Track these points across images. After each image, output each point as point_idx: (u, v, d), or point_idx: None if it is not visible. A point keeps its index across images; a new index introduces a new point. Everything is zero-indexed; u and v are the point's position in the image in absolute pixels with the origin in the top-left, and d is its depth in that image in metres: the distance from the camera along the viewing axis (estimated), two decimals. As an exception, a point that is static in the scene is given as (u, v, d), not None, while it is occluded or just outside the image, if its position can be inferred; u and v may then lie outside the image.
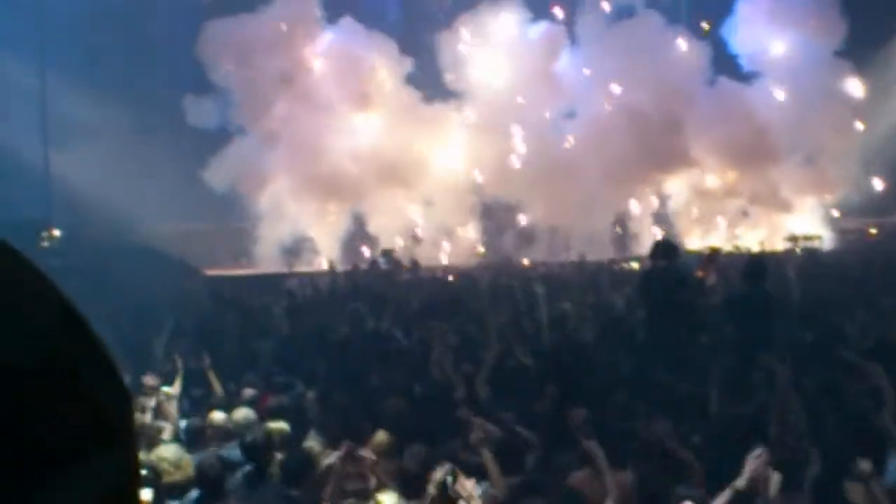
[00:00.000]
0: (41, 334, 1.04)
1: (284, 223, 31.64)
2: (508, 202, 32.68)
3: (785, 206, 33.29)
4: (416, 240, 31.29)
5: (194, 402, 12.74)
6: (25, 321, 1.04)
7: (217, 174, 30.83)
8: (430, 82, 32.60)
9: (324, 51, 33.13)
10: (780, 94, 33.75)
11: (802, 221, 32.98)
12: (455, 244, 32.00)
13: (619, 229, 32.74)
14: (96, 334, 1.10)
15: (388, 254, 26.55)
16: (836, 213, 33.63)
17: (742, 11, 34.36)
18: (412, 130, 31.56)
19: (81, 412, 1.05)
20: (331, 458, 8.87)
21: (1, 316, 1.03)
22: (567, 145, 32.67)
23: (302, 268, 27.92)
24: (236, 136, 32.12)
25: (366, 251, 30.67)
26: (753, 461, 7.17)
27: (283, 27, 32.51)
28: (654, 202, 33.65)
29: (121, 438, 1.08)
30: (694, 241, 31.22)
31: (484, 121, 32.49)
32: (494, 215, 33.01)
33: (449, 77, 32.76)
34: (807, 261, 23.45)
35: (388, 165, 30.71)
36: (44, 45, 29.64)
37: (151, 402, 11.73)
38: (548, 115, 33.33)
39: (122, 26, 34.73)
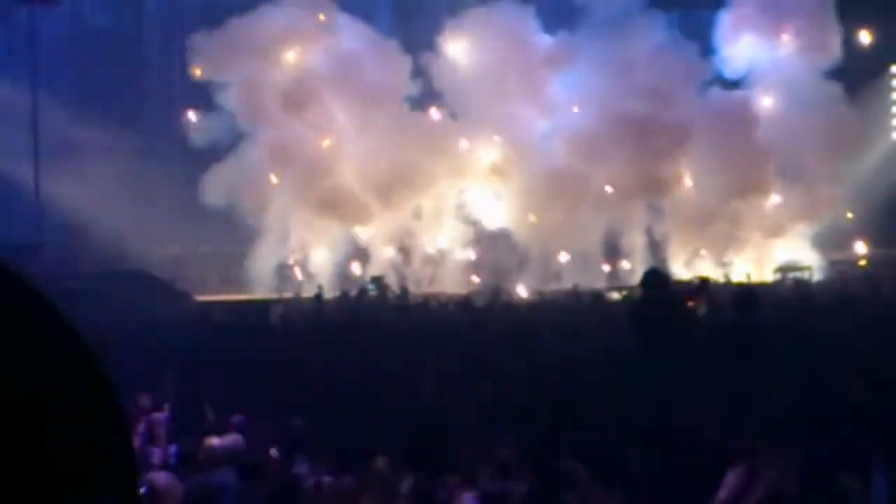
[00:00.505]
0: (42, 355, 1.04)
1: (278, 246, 31.33)
2: (501, 226, 32.38)
3: (775, 232, 33.08)
4: (405, 262, 30.96)
5: (184, 427, 12.71)
6: (25, 341, 1.05)
7: (215, 190, 30.48)
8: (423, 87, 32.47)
9: (326, 54, 32.45)
10: (767, 104, 33.54)
11: (791, 248, 32.76)
12: (447, 268, 31.63)
13: (607, 265, 32.39)
14: (97, 356, 1.10)
15: (377, 280, 26.50)
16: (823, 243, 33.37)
17: (729, 21, 34.09)
18: (414, 145, 31.09)
19: (81, 436, 1.05)
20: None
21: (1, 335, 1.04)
22: (557, 163, 32.15)
23: (291, 293, 27.76)
24: (233, 152, 31.62)
25: (356, 272, 30.37)
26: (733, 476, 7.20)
27: (284, 30, 31.85)
28: (642, 223, 33.29)
29: (120, 462, 1.09)
30: (681, 266, 31.01)
31: (475, 134, 32.21)
32: (487, 238, 32.59)
33: (439, 86, 32.44)
34: (796, 291, 23.50)
35: (389, 181, 30.38)
36: (35, 66, 29.64)
37: (141, 427, 11.71)
38: (539, 128, 33.06)
39: (113, 47, 34.80)
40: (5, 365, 1.03)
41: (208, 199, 30.30)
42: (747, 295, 13.54)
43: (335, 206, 30.44)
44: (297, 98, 30.66)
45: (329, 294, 25.87)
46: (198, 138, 30.79)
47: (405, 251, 31.56)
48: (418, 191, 31.28)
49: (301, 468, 10.27)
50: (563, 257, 31.97)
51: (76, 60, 34.29)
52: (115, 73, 34.29)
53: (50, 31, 31.52)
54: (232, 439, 10.96)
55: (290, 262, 30.97)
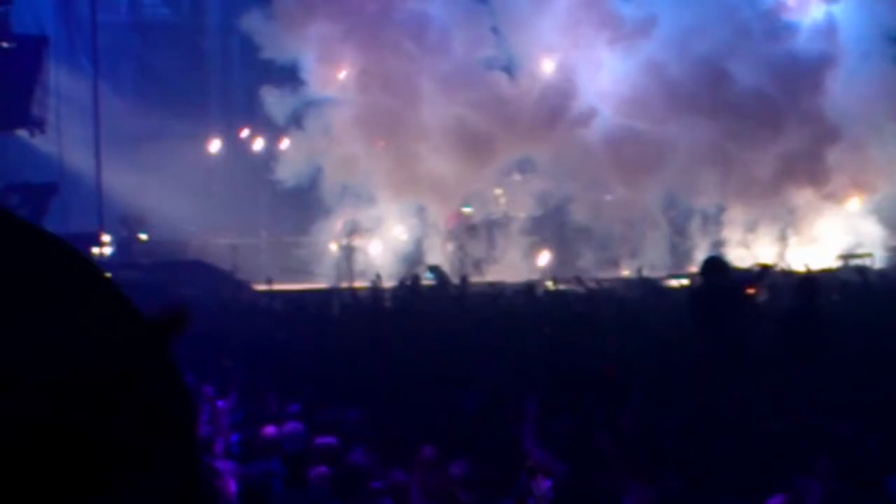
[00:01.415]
0: (107, 336, 1.05)
1: (338, 233, 30.80)
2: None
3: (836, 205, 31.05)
4: (463, 251, 30.28)
5: (245, 416, 12.80)
6: (91, 322, 1.05)
7: (290, 165, 29.75)
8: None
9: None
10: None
11: (850, 227, 31.25)
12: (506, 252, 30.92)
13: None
14: (162, 341, 1.11)
15: (434, 269, 26.25)
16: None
17: None
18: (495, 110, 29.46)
19: (144, 412, 1.05)
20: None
21: (64, 319, 1.04)
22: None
23: (349, 281, 27.57)
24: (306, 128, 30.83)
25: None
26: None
27: None
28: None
29: (184, 438, 1.09)
30: (736, 245, 29.91)
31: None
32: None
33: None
34: (858, 279, 23.06)
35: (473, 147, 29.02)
36: (96, 55, 29.85)
37: (204, 415, 11.79)
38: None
39: (174, 38, 35.07)
40: (69, 344, 1.02)
41: (281, 174, 29.79)
42: (808, 284, 13.46)
43: (420, 182, 29.59)
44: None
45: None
46: (278, 113, 30.02)
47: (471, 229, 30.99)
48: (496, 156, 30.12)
49: (357, 458, 10.30)
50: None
51: (138, 51, 34.56)
52: (175, 62, 34.52)
53: (111, 22, 31.73)
54: (290, 428, 11.02)
55: (351, 244, 30.43)
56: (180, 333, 1.13)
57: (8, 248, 1.02)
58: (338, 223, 30.25)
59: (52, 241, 1.06)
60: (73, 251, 1.06)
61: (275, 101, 29.22)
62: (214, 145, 33.86)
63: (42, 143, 27.52)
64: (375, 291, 22.88)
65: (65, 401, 0.98)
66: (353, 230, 30.34)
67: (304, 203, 31.04)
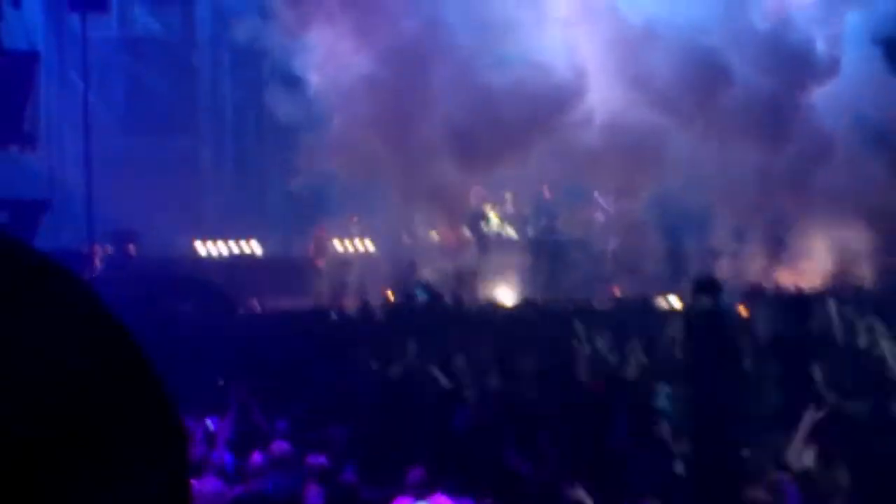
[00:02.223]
0: (94, 356, 1.05)
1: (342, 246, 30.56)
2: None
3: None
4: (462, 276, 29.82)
5: (238, 436, 12.78)
6: (79, 341, 1.05)
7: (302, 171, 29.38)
8: None
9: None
10: None
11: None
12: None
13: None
14: (149, 360, 1.12)
15: (425, 286, 26.11)
16: None
17: None
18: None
19: (132, 429, 1.05)
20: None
21: (53, 336, 1.03)
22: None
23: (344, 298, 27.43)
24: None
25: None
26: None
27: None
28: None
29: (173, 459, 1.08)
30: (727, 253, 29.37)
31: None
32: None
33: None
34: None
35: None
36: (88, 72, 29.84)
37: (198, 435, 11.79)
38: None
39: (165, 53, 35.08)
40: (55, 364, 1.02)
41: (294, 185, 29.59)
42: (800, 304, 13.46)
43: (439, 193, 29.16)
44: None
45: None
46: (284, 115, 29.71)
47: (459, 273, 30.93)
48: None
49: (349, 476, 10.30)
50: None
51: (126, 65, 34.57)
52: (166, 77, 34.56)
53: (101, 37, 31.74)
54: (279, 447, 11.01)
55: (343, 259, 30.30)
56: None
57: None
58: (327, 237, 30.28)
59: (41, 259, 1.06)
60: (61, 268, 1.06)
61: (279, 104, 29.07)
62: (205, 159, 33.94)
63: (33, 159, 27.48)
64: (366, 308, 22.89)
65: (51, 417, 0.98)
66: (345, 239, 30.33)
67: (301, 215, 31.13)
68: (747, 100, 28.18)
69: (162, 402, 1.09)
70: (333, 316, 22.77)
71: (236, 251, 31.26)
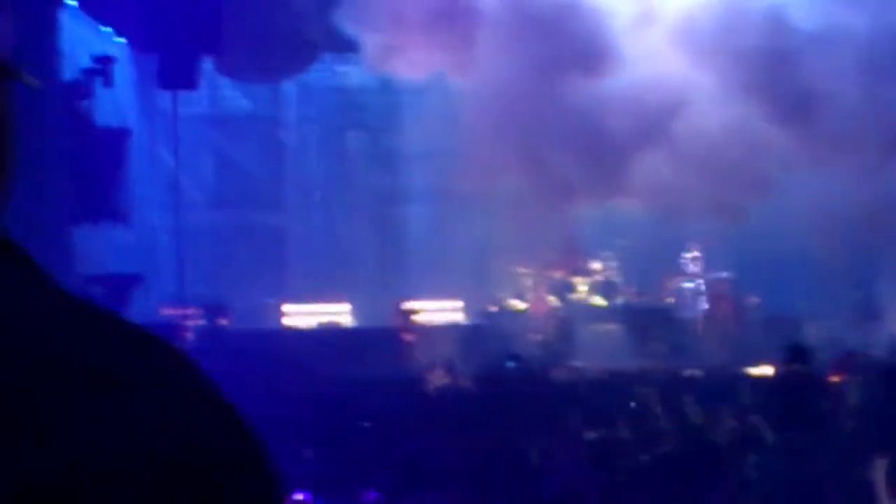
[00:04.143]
0: (198, 421, 1.07)
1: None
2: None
3: None
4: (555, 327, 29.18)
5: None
6: (179, 406, 1.08)
7: None
8: None
9: None
10: None
11: None
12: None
13: None
14: (257, 437, 1.12)
15: (516, 357, 26.01)
16: None
17: None
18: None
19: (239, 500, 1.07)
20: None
21: (153, 403, 1.06)
22: None
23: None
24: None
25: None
26: None
27: None
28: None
29: None
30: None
31: None
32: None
33: None
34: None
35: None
36: (178, 149, 30.34)
37: None
38: None
39: (253, 130, 35.60)
40: (163, 435, 1.05)
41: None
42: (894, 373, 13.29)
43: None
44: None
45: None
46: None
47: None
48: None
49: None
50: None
51: (215, 142, 35.10)
52: (254, 153, 35.08)
53: (189, 113, 32.22)
54: None
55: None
56: None
57: (103, 340, 1.04)
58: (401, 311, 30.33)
59: (143, 333, 1.08)
60: (164, 343, 1.09)
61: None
62: (294, 233, 34.39)
63: (123, 234, 27.87)
64: (455, 378, 22.86)
65: (163, 491, 0.99)
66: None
67: (389, 283, 31.40)
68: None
69: (266, 471, 1.11)
70: (425, 387, 22.79)
71: (325, 315, 31.42)
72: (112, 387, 1.06)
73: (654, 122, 27.66)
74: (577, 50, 27.83)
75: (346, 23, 29.64)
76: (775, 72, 27.15)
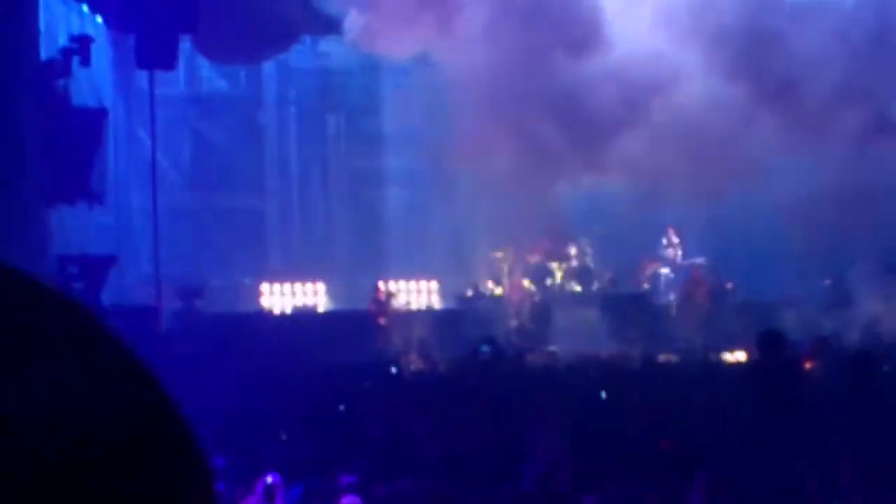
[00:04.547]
0: (118, 391, 1.03)
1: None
2: None
3: None
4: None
5: (303, 491, 12.79)
6: (105, 387, 1.04)
7: None
8: None
9: None
10: None
11: None
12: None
13: None
14: (171, 401, 1.08)
15: (491, 342, 25.97)
16: None
17: None
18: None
19: (156, 477, 1.03)
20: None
21: (66, 377, 1.02)
22: None
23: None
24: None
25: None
26: None
27: None
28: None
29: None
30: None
31: None
32: None
33: None
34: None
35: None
36: (155, 129, 30.22)
37: (258, 490, 11.80)
38: None
39: (231, 111, 35.48)
40: (78, 398, 1.02)
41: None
42: (864, 359, 13.34)
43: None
44: None
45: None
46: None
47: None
48: None
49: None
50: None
51: (193, 122, 34.98)
52: (231, 134, 34.98)
53: (169, 95, 32.08)
54: (350, 501, 11.01)
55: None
56: None
57: (13, 303, 1.01)
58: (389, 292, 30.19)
59: (61, 299, 1.05)
60: (87, 312, 1.05)
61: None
62: (271, 213, 34.31)
63: (100, 214, 27.76)
64: (430, 363, 22.87)
65: (73, 454, 0.97)
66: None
67: (366, 261, 31.41)
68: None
69: (185, 443, 1.08)
70: (394, 370, 22.80)
71: (301, 296, 31.39)
72: (11, 354, 1.03)
73: (637, 101, 27.71)
74: (564, 31, 27.87)
75: (328, 2, 29.52)
76: (757, 52, 27.22)
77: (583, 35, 27.94)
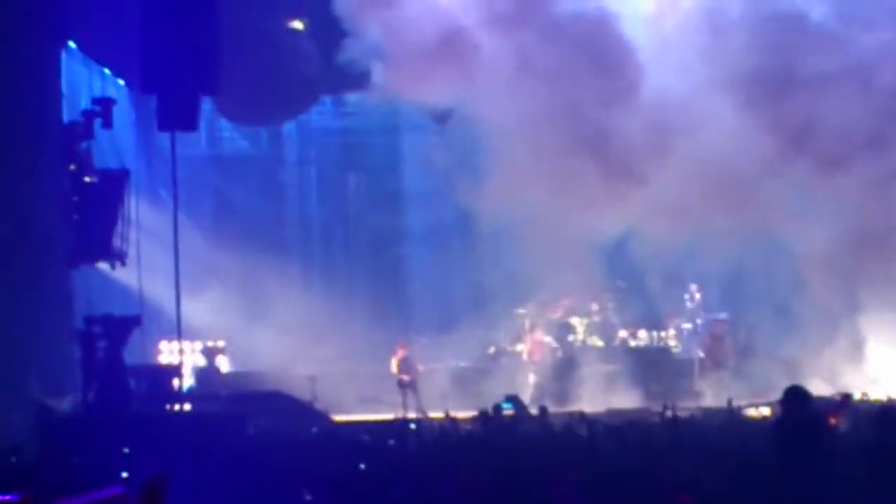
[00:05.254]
0: None
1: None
2: None
3: None
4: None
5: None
6: None
7: None
8: None
9: None
10: None
11: None
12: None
13: None
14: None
15: (513, 399, 25.87)
16: None
17: None
18: None
19: None
20: None
21: None
22: None
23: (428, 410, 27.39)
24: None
25: None
26: None
27: None
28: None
29: None
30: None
31: None
32: None
33: None
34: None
35: None
36: (177, 190, 30.36)
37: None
38: None
39: (252, 171, 35.66)
40: None
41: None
42: (890, 414, 13.27)
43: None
44: None
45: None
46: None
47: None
48: None
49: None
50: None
51: (214, 182, 35.14)
52: (253, 194, 35.13)
53: (190, 154, 32.22)
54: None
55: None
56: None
57: None
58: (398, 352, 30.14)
59: None
60: None
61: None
62: (293, 275, 34.34)
63: (122, 274, 27.84)
64: (452, 422, 22.79)
65: None
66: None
67: (388, 327, 31.43)
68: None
69: None
70: (413, 427, 22.77)
71: (321, 360, 31.39)
72: None
73: (667, 145, 27.61)
74: (598, 83, 27.81)
75: (350, 60, 29.53)
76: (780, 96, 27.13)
77: (617, 86, 27.91)
